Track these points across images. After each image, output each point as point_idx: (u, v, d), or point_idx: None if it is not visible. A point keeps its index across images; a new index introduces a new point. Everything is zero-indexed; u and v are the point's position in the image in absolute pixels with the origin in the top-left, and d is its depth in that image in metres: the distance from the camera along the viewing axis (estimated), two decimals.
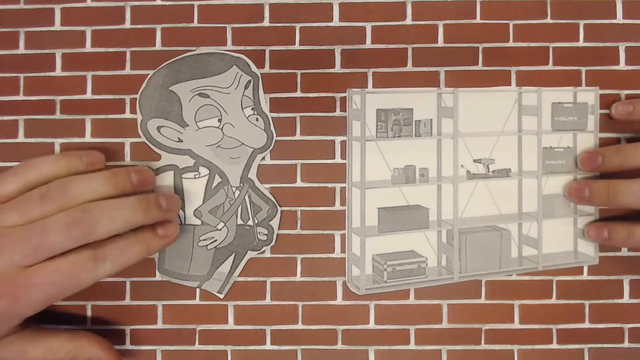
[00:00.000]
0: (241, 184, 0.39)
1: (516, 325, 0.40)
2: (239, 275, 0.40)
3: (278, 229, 0.39)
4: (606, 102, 0.40)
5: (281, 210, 0.39)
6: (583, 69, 0.40)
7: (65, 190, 0.31)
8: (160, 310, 0.40)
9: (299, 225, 0.40)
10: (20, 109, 0.40)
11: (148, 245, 0.33)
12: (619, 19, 0.40)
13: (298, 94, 0.40)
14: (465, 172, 0.40)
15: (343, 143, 0.40)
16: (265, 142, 0.39)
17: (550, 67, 0.40)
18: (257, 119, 0.39)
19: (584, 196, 0.39)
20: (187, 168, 0.39)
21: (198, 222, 0.39)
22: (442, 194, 0.40)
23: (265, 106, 0.40)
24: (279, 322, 0.40)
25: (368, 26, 0.40)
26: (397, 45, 0.40)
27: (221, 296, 0.39)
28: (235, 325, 0.40)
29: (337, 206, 0.40)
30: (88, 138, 0.40)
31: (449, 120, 0.40)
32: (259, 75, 0.40)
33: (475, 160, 0.40)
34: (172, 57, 0.40)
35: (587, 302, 0.40)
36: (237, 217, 0.39)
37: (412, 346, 0.40)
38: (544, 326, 0.40)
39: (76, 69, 0.41)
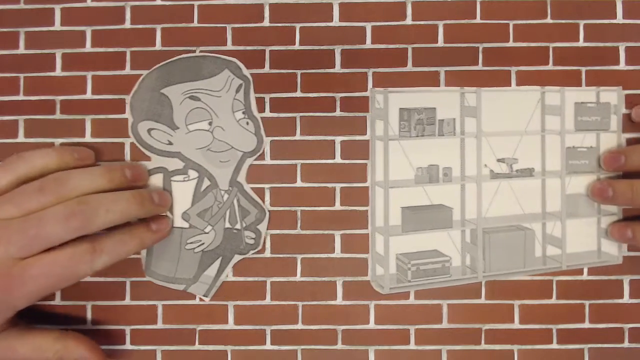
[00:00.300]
0: (230, 188, 0.39)
1: (516, 325, 0.40)
2: (231, 276, 0.40)
3: (267, 230, 0.39)
4: (630, 102, 0.40)
5: (269, 212, 0.39)
6: (583, 69, 0.40)
7: (62, 183, 0.31)
8: (160, 310, 0.40)
9: (299, 225, 0.40)
10: (20, 109, 0.40)
11: (142, 239, 0.34)
12: (619, 19, 0.40)
13: (298, 94, 0.40)
14: (488, 172, 0.40)
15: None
16: (255, 145, 0.39)
17: (550, 67, 0.40)
18: (247, 123, 0.39)
19: (607, 196, 0.39)
20: (177, 171, 0.39)
21: (186, 225, 0.39)
22: (466, 193, 0.40)
23: (255, 110, 0.40)
24: (279, 322, 0.40)
25: (368, 26, 0.40)
26: (397, 45, 0.40)
27: (207, 299, 0.39)
28: (235, 325, 0.40)
29: (337, 206, 0.40)
30: (88, 138, 0.40)
31: (472, 119, 0.40)
32: (251, 79, 0.40)
33: (498, 160, 0.40)
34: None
35: (587, 302, 0.40)
36: (225, 220, 0.39)
37: (412, 346, 0.40)
38: (544, 326, 0.40)
39: (76, 69, 0.41)
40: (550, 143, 0.41)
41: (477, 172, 0.40)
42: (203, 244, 0.39)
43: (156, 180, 0.39)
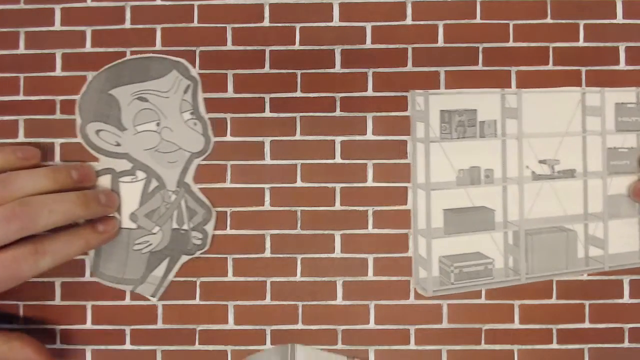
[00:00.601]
0: (177, 188, 0.39)
1: (516, 325, 0.40)
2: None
3: (213, 231, 0.39)
4: None
5: (216, 212, 0.39)
6: (583, 69, 0.40)
7: (4, 184, 0.31)
8: (160, 310, 0.40)
9: (299, 225, 0.40)
10: (20, 109, 0.40)
11: (88, 240, 0.34)
12: (619, 19, 0.40)
13: (298, 94, 0.40)
14: (530, 173, 0.40)
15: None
16: (203, 146, 0.39)
17: (550, 67, 0.40)
18: (195, 123, 0.39)
19: None
20: (125, 172, 0.39)
21: (134, 225, 0.39)
22: (507, 195, 0.40)
23: (204, 110, 0.40)
24: (279, 322, 0.40)
25: (368, 26, 0.40)
26: (397, 45, 0.40)
27: (155, 300, 0.39)
28: (235, 325, 0.40)
29: (337, 206, 0.40)
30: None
31: (512, 121, 0.40)
32: (198, 79, 0.40)
33: (540, 161, 0.40)
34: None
35: (587, 302, 0.40)
36: (172, 221, 0.39)
37: (412, 346, 0.40)
38: (544, 326, 0.40)
39: (76, 69, 0.41)
40: (591, 144, 0.41)
41: (518, 174, 0.40)
42: (151, 244, 0.39)
43: (104, 181, 0.39)
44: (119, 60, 0.40)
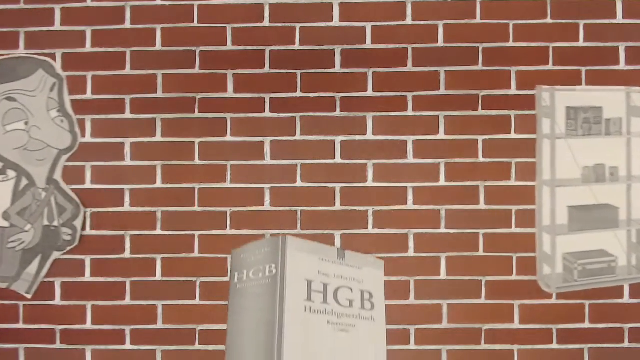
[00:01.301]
0: (47, 186, 0.40)
1: (516, 325, 0.40)
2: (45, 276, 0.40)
3: (82, 230, 0.40)
4: None
5: (84, 211, 0.40)
6: (583, 69, 0.40)
7: None
8: (160, 310, 0.40)
9: (299, 225, 0.40)
10: None
11: None
12: (619, 19, 0.40)
13: (298, 94, 0.40)
14: None
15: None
16: (70, 143, 0.40)
17: (550, 67, 0.40)
18: (62, 121, 0.40)
19: None
20: None
21: (7, 224, 0.40)
22: (632, 193, 0.40)
23: (70, 108, 0.40)
24: None
25: (368, 26, 0.40)
26: (397, 45, 0.40)
27: (29, 296, 0.40)
28: None
29: (337, 206, 0.40)
30: (88, 138, 0.40)
31: (638, 119, 0.40)
32: (64, 77, 0.40)
33: None
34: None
35: (587, 302, 0.40)
36: (43, 218, 0.40)
37: (412, 346, 0.39)
38: (544, 326, 0.40)
39: (76, 68, 0.41)
40: None
41: None
42: (23, 242, 0.40)
43: None
44: None
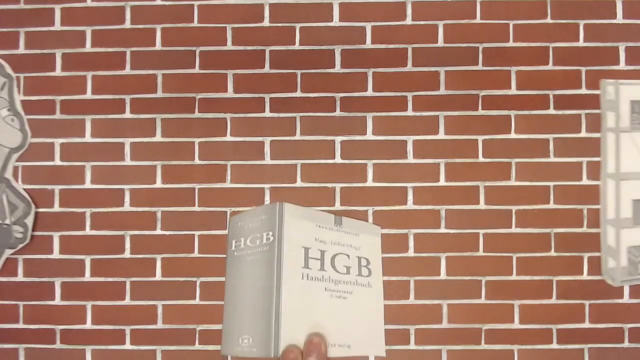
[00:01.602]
0: None
1: (516, 325, 0.40)
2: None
3: (32, 229, 0.40)
4: None
5: (35, 210, 0.40)
6: (583, 68, 0.40)
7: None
8: (160, 310, 0.40)
9: None
10: (21, 108, 0.40)
11: None
12: (619, 19, 0.40)
13: (298, 94, 0.40)
14: None
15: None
16: (20, 141, 0.40)
17: (550, 67, 0.40)
18: (12, 120, 0.40)
19: None
20: None
21: None
22: None
23: (20, 107, 0.40)
24: None
25: (368, 26, 0.40)
26: (397, 45, 0.40)
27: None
28: None
29: (337, 206, 0.40)
30: (88, 138, 0.40)
31: None
32: (14, 77, 0.40)
33: None
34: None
35: (587, 302, 0.40)
36: None
37: (412, 346, 0.39)
38: (544, 326, 0.40)
39: (76, 69, 0.41)
40: None
41: None
42: None
43: None
44: None
